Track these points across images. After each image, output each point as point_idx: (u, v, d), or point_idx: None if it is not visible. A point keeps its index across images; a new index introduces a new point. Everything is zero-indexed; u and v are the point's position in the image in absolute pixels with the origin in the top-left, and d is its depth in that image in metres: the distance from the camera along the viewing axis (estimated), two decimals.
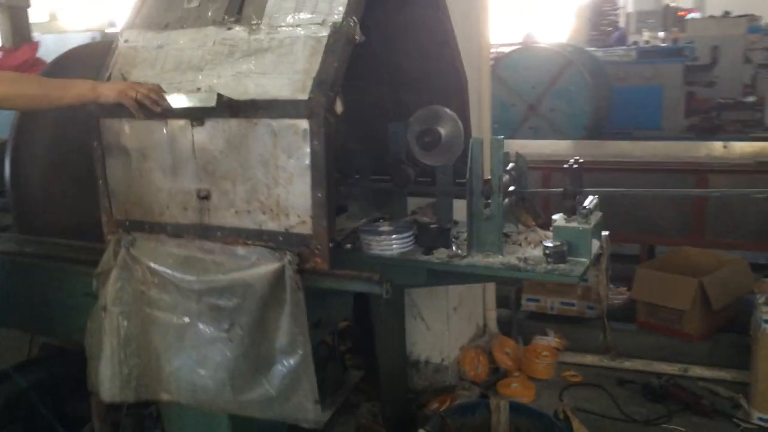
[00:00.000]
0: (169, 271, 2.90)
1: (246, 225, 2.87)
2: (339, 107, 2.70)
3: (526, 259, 2.98)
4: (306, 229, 2.75)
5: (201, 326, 2.84)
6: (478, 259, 3.02)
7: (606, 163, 6.09)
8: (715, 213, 5.71)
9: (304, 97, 2.67)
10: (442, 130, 3.29)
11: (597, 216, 3.05)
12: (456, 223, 3.52)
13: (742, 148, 6.33)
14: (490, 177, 3.02)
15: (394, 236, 3.16)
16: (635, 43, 16.94)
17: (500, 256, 3.02)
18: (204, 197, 2.92)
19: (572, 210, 3.01)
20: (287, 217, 2.77)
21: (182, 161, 2.95)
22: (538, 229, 3.25)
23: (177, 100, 2.82)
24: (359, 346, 4.86)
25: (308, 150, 2.68)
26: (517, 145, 7.04)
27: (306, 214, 2.74)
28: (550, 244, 2.92)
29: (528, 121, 11.05)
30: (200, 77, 2.92)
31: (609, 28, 20.13)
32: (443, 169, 3.42)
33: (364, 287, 2.76)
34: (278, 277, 2.68)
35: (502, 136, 2.99)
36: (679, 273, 5.20)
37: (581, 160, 3.07)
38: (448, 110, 3.30)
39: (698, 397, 4.61)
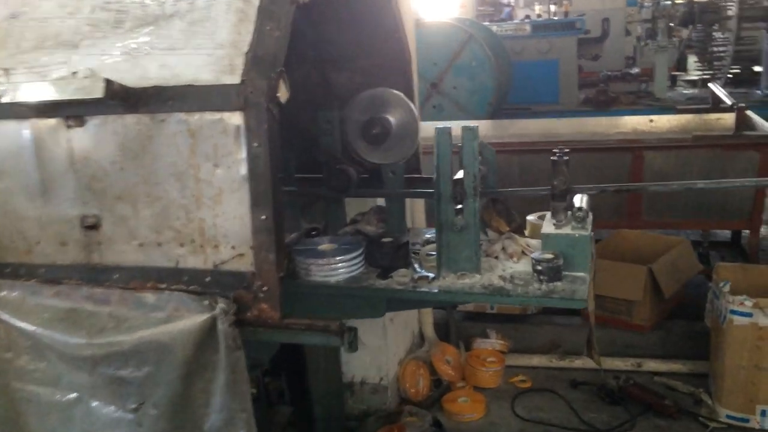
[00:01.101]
0: (45, 331, 2.06)
1: (156, 262, 2.07)
2: (284, 93, 1.96)
3: (512, 279, 2.38)
4: (245, 264, 2.00)
5: (96, 405, 2.04)
6: (452, 281, 2.39)
7: (533, 144, 5.62)
8: (650, 192, 5.37)
9: (234, 80, 1.91)
10: (392, 119, 2.61)
11: (590, 218, 2.48)
12: (409, 230, 2.87)
13: (669, 121, 6.06)
14: (461, 176, 2.38)
15: (339, 258, 2.46)
16: (527, 17, 16.87)
17: (478, 276, 2.40)
18: (91, 226, 2.09)
19: (563, 212, 2.42)
20: (216, 249, 2.01)
21: (55, 177, 2.10)
22: (515, 236, 2.65)
23: (40, 91, 1.98)
24: (287, 373, 4.13)
25: (244, 155, 1.92)
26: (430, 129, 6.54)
27: (244, 245, 1.98)
28: (541, 257, 2.33)
29: (431, 99, 10.54)
30: (76, 57, 2.07)
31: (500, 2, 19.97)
32: (392, 167, 2.75)
33: (319, 340, 2.04)
34: (206, 333, 1.92)
35: (476, 125, 2.35)
36: (621, 259, 4.81)
37: (566, 150, 2.49)
38: (397, 93, 2.62)
39: (659, 397, 4.24)
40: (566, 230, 2.38)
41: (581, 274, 2.34)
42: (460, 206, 2.40)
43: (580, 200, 2.47)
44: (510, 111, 11.51)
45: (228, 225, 1.97)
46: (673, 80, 14.56)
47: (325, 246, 2.59)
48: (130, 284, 2.07)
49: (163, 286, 2.03)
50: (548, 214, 2.52)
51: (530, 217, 2.76)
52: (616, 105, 12.60)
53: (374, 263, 2.57)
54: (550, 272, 2.30)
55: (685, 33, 15.67)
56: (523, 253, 2.54)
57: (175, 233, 2.02)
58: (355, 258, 2.51)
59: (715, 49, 13.60)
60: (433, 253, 2.60)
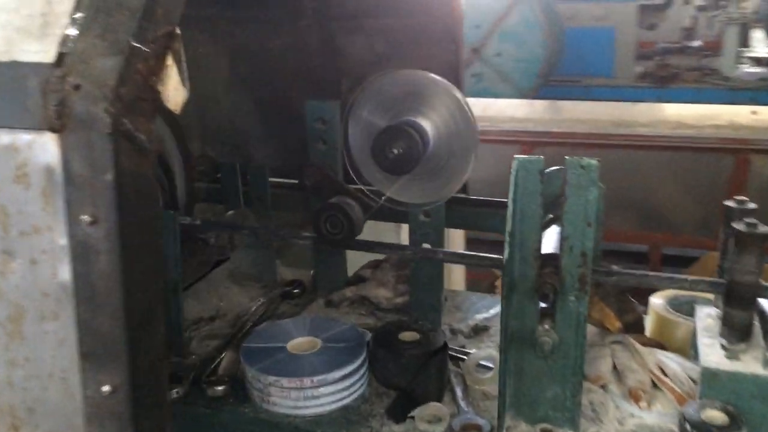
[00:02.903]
0: None
1: None
2: (176, 89, 0.82)
3: None
4: None
5: None
6: None
7: (606, 137, 4.41)
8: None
9: (44, 53, 0.78)
10: (429, 126, 1.45)
11: None
12: (445, 299, 1.76)
13: None
14: (555, 250, 1.25)
15: (321, 378, 1.36)
16: None
17: None
18: None
19: (742, 329, 1.27)
20: None
21: None
22: (635, 344, 1.51)
23: None
24: None
25: (63, 240, 0.80)
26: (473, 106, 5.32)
27: None
28: (704, 422, 1.20)
29: (470, 67, 9.26)
30: None
31: None
32: (427, 208, 1.61)
33: None
34: None
35: (595, 161, 1.19)
36: None
37: (752, 207, 1.32)
38: (441, 81, 1.46)
39: None
40: (751, 366, 1.24)
41: None
42: (547, 306, 1.26)
43: None
44: (559, 84, 10.19)
45: (31, 394, 0.85)
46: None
47: (299, 344, 1.48)
48: None
49: None
50: (702, 313, 1.39)
51: (656, 301, 1.63)
52: (678, 82, 11.25)
53: (385, 380, 1.46)
54: None
55: (750, 4, 14.12)
56: (655, 386, 1.41)
57: None
58: (351, 375, 1.40)
59: None
60: (491, 365, 1.49)
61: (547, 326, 1.28)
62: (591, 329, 1.62)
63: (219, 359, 1.52)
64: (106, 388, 0.79)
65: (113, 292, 0.73)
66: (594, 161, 1.19)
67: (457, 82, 2.05)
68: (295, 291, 1.85)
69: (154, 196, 0.82)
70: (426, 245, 1.62)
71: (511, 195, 1.22)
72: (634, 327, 1.59)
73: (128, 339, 0.75)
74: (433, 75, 1.47)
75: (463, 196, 1.75)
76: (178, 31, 0.78)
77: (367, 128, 1.50)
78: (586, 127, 4.46)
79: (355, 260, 1.90)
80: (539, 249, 1.25)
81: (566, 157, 1.20)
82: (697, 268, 4.14)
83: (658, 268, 4.54)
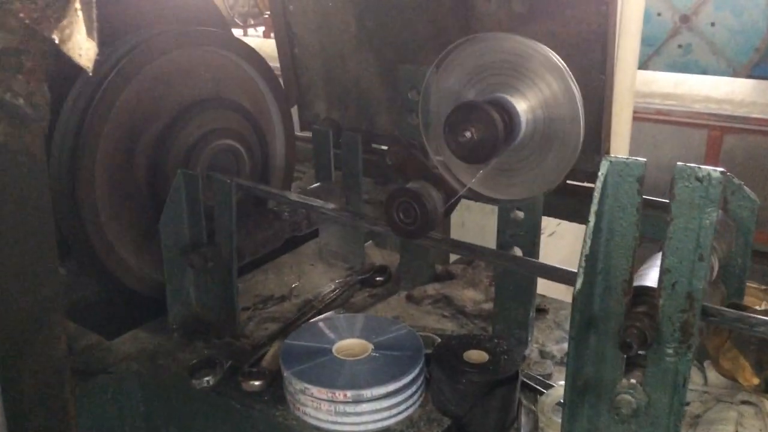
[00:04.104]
0: None
1: None
2: (91, 49, 0.65)
3: None
4: None
5: None
6: None
7: None
8: None
9: None
10: (522, 110, 1.16)
11: None
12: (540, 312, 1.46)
13: None
14: (651, 283, 0.93)
15: (367, 393, 1.16)
16: None
17: None
18: None
19: None
20: None
21: None
22: None
23: None
24: None
25: None
26: (661, 81, 4.67)
27: None
28: None
29: (677, 36, 8.28)
30: None
31: None
32: (516, 205, 1.33)
33: None
34: None
35: (719, 172, 0.85)
36: None
37: None
38: (545, 51, 1.15)
39: None
40: None
41: None
42: (636, 351, 0.95)
43: None
44: None
45: None
46: None
47: (347, 346, 1.29)
48: None
49: None
50: None
51: None
52: None
53: (439, 404, 1.23)
54: None
55: None
56: None
57: None
58: (396, 393, 1.19)
59: None
60: None
61: (633, 380, 0.98)
62: (718, 379, 1.26)
63: (266, 349, 1.38)
64: None
65: None
66: (717, 172, 0.85)
67: (604, 53, 1.72)
68: (377, 279, 1.66)
69: (40, 178, 0.65)
70: (516, 249, 1.34)
71: (594, 206, 0.91)
72: None
73: None
74: (537, 44, 1.17)
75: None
76: None
77: (452, 102, 1.24)
78: None
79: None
80: (630, 280, 0.94)
81: (678, 163, 0.87)
82: None
83: None
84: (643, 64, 6.46)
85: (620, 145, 2.82)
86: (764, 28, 8.13)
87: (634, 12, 2.86)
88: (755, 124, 3.73)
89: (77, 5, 0.59)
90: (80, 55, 0.59)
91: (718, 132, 3.83)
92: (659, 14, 8.38)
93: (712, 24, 8.28)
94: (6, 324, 0.63)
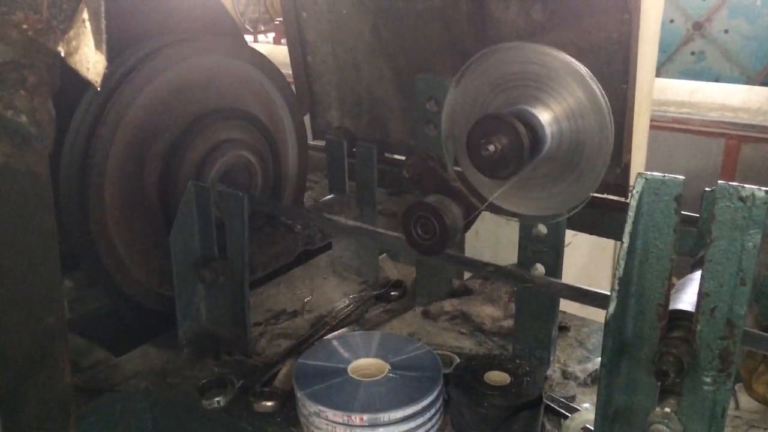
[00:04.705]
0: None
1: None
2: (100, 62, 0.61)
3: None
4: None
5: None
6: None
7: None
8: None
9: None
10: (547, 122, 1.11)
11: None
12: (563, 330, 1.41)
13: None
14: (687, 307, 0.88)
15: (384, 416, 1.11)
16: None
17: None
18: None
19: None
20: None
21: None
22: None
23: None
24: None
25: None
26: (675, 89, 4.60)
27: None
28: None
29: (690, 43, 8.22)
30: None
31: None
32: (544, 221, 1.28)
33: None
34: None
35: (765, 191, 0.80)
36: None
37: None
38: (570, 61, 1.11)
39: None
40: None
41: None
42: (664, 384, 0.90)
43: None
44: None
45: None
46: None
47: (363, 365, 1.24)
48: None
49: None
50: None
51: None
52: None
53: (459, 428, 1.19)
54: None
55: None
56: None
57: None
58: (414, 417, 1.14)
59: None
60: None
61: (668, 409, 0.92)
62: (750, 404, 1.21)
63: (278, 368, 1.33)
64: None
65: None
66: (762, 192, 0.80)
67: (626, 62, 1.68)
68: (393, 293, 1.61)
69: (44, 201, 0.61)
70: (539, 266, 1.30)
71: (628, 226, 0.87)
72: None
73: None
74: (562, 54, 1.13)
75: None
76: None
77: (473, 113, 1.19)
78: None
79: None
80: (666, 304, 0.89)
81: (719, 182, 0.82)
82: None
83: None
84: (656, 72, 6.40)
85: (637, 154, 2.77)
86: None
87: (651, 19, 2.82)
88: None
89: (84, 15, 0.54)
90: (88, 69, 0.55)
91: (736, 141, 3.77)
92: (672, 21, 8.33)
93: (726, 31, 8.22)
94: (9, 354, 0.59)
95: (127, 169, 1.43)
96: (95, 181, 1.36)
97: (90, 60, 0.56)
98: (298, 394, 1.19)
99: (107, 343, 1.45)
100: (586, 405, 1.26)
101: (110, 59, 0.71)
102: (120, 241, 1.44)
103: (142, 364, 1.40)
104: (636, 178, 0.86)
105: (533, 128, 1.09)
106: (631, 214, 0.87)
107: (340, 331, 1.46)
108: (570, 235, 2.73)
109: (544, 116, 1.12)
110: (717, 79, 7.80)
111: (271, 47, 7.38)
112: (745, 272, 0.82)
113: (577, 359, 1.41)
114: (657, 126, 3.68)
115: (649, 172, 0.86)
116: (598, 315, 1.27)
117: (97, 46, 0.56)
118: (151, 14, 1.61)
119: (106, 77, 0.71)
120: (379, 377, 1.22)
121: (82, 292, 1.59)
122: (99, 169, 1.37)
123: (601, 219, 1.65)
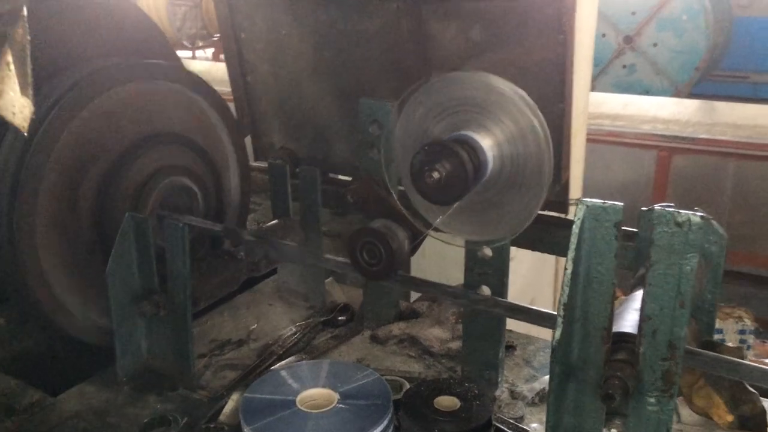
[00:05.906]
0: None
1: None
2: (26, 106, 0.57)
3: None
4: None
5: None
6: None
7: (763, 146, 3.78)
8: None
9: None
10: (488, 147, 1.12)
11: None
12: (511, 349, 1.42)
13: None
14: (629, 330, 0.89)
15: None
16: None
17: None
18: None
19: None
20: None
21: None
22: None
23: None
24: None
25: None
26: (610, 102, 4.74)
27: None
28: None
29: (622, 57, 8.53)
30: None
31: None
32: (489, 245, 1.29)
33: None
34: None
35: (700, 216, 0.82)
36: None
37: None
38: (508, 86, 1.12)
39: None
40: None
41: None
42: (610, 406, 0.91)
43: None
44: (721, 79, 9.21)
45: None
46: None
47: (312, 396, 1.22)
48: None
49: None
50: None
51: None
52: None
53: None
54: None
55: None
56: None
57: None
58: None
59: None
60: None
61: (614, 431, 0.94)
62: (691, 417, 1.24)
63: (224, 402, 1.30)
64: None
65: None
66: (698, 217, 0.82)
67: (562, 83, 1.71)
68: (340, 318, 1.59)
69: None
70: (485, 288, 1.30)
71: (571, 252, 0.88)
72: (753, 424, 1.18)
73: None
74: (498, 79, 1.14)
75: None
76: (24, 11, 0.52)
77: (418, 140, 1.20)
78: (744, 133, 3.82)
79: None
80: (609, 328, 0.91)
81: (656, 206, 0.84)
82: None
83: None
84: (590, 85, 6.60)
85: (575, 168, 2.84)
86: (704, 48, 8.45)
87: (586, 36, 2.91)
88: (703, 144, 3.82)
89: (9, 58, 0.51)
90: (14, 114, 0.52)
91: (667, 153, 3.91)
92: (604, 35, 8.63)
93: (655, 44, 8.57)
94: None
95: (59, 199, 1.38)
96: (25, 210, 1.31)
97: (15, 105, 0.53)
98: (246, 430, 1.16)
99: (42, 384, 1.39)
100: (535, 425, 1.27)
101: (36, 88, 0.68)
102: (53, 273, 1.38)
103: (81, 403, 1.34)
104: (577, 205, 0.88)
105: (476, 153, 1.10)
106: (573, 240, 0.88)
107: (287, 360, 1.43)
108: (513, 249, 2.77)
109: (486, 141, 1.13)
110: (648, 91, 8.11)
111: (210, 64, 7.27)
112: (684, 295, 0.84)
113: (525, 378, 1.42)
114: (593, 139, 3.79)
115: (589, 199, 0.88)
116: (544, 332, 1.28)
117: (23, 91, 0.53)
118: (82, 37, 1.56)
119: (38, 101, 0.68)
120: (328, 408, 1.20)
121: (14, 328, 1.51)
122: (30, 199, 1.31)
123: (542, 235, 1.67)
